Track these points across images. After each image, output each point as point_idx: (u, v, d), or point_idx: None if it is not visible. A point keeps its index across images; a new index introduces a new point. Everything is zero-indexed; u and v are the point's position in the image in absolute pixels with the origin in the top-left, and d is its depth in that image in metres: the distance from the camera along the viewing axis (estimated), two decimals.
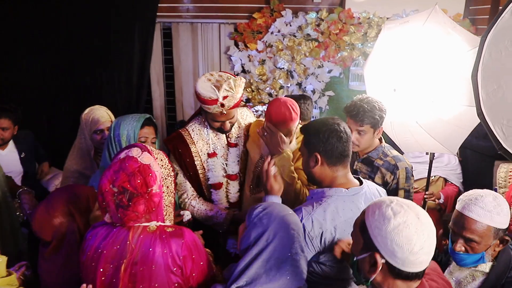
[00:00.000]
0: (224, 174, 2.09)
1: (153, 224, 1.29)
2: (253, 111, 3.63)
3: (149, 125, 1.95)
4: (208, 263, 1.37)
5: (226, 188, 2.11)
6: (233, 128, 2.10)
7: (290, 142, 1.94)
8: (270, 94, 3.68)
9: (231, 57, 3.65)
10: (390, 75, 1.97)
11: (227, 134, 2.10)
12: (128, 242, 1.24)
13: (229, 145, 2.12)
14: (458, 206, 1.42)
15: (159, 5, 3.52)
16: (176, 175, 1.55)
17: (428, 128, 1.90)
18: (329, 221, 1.37)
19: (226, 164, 2.11)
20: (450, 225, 1.46)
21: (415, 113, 1.91)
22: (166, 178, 1.34)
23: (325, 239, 1.37)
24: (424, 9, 2.43)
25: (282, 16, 3.51)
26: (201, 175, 2.07)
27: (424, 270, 1.05)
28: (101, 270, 1.24)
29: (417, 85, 1.86)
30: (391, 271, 1.02)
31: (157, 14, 3.53)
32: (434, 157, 2.28)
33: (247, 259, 1.21)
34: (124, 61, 3.58)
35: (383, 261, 1.02)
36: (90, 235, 1.33)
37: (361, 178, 1.52)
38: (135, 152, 1.29)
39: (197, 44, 3.68)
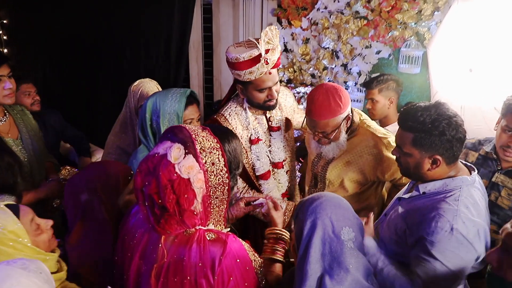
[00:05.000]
0: (270, 162, 1.91)
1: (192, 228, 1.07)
2: (294, 93, 3.47)
3: (192, 103, 1.70)
4: (256, 284, 1.10)
5: (274, 177, 1.93)
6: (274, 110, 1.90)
7: (337, 138, 1.68)
8: (313, 75, 3.49)
9: None
10: (465, 54, 1.75)
11: (268, 117, 1.91)
12: (160, 245, 1.04)
13: (271, 129, 1.91)
14: None
15: None
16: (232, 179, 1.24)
17: None
18: (477, 216, 1.22)
19: (270, 151, 1.91)
20: None
21: (494, 97, 1.69)
22: (215, 188, 1.03)
23: (480, 237, 1.23)
24: None
25: None
26: (246, 165, 1.86)
27: None
28: (136, 263, 1.10)
29: (499, 65, 1.64)
30: None
31: None
32: None
33: (299, 266, 1.04)
34: (163, 37, 3.46)
35: None
36: (132, 215, 1.18)
37: (467, 163, 1.36)
38: (175, 153, 0.98)
39: (238, 21, 3.52)
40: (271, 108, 1.83)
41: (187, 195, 0.97)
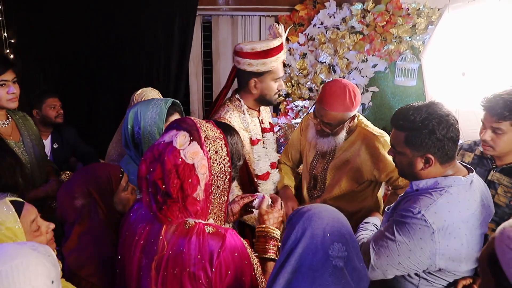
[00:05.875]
0: (269, 163, 1.95)
1: (192, 220, 1.07)
2: (292, 106, 3.51)
3: (173, 113, 1.64)
4: (251, 281, 1.08)
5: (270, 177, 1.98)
6: (262, 111, 1.96)
7: (337, 134, 1.73)
8: (310, 89, 3.54)
9: None
10: (458, 58, 1.80)
11: (261, 119, 1.95)
12: (160, 237, 1.05)
13: (263, 130, 1.95)
14: None
15: None
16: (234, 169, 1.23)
17: None
18: (456, 214, 1.18)
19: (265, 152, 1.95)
20: None
21: None
22: (217, 177, 1.04)
23: (450, 233, 1.18)
24: None
25: (326, 7, 3.38)
26: (250, 168, 1.89)
27: None
28: (138, 257, 1.10)
29: (491, 69, 1.68)
30: None
31: (198, 7, 3.49)
32: None
33: (275, 270, 0.95)
34: (163, 53, 3.55)
35: None
36: (133, 211, 1.18)
37: (467, 165, 1.33)
38: (180, 139, 1.01)
39: (236, 38, 3.62)
40: (277, 102, 1.90)
41: (191, 179, 0.98)
